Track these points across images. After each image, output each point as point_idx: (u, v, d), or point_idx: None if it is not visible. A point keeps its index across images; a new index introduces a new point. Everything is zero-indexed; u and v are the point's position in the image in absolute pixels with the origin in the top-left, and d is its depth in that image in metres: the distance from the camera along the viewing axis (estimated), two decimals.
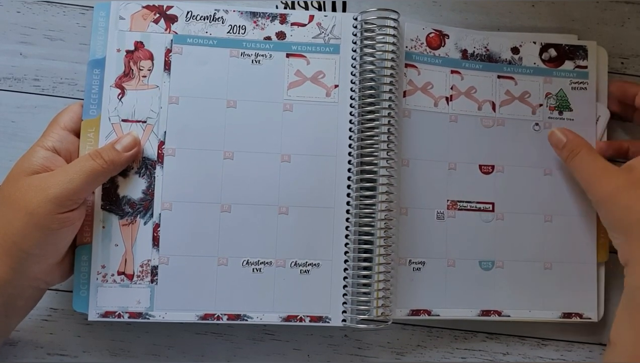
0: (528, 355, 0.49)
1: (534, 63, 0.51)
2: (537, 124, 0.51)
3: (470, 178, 0.50)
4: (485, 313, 0.48)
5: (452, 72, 0.50)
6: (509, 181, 0.50)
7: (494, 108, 0.50)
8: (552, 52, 0.52)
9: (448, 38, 0.50)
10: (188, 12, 0.47)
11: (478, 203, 0.49)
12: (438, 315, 0.48)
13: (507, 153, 0.50)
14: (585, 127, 0.50)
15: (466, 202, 0.49)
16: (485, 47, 0.51)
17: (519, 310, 0.49)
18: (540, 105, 0.51)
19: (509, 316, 0.48)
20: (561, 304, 0.49)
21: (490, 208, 0.50)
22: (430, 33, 0.50)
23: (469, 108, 0.50)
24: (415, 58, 0.49)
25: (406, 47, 0.49)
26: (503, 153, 0.50)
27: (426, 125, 0.49)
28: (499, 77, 0.51)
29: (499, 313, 0.48)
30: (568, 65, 0.51)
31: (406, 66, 0.49)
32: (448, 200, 0.49)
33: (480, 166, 0.50)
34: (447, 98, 0.50)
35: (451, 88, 0.50)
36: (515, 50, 0.51)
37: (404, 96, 0.48)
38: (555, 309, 0.49)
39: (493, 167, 0.50)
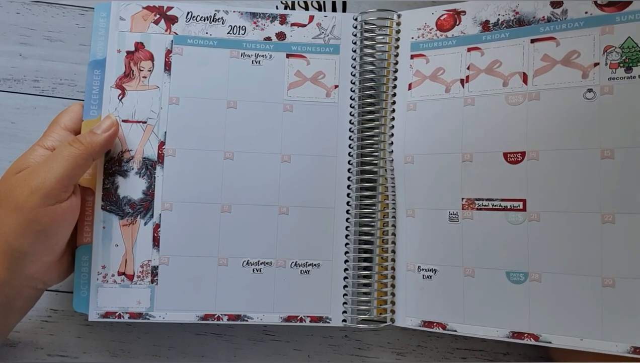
0: (529, 355, 0.49)
1: (586, 12, 0.40)
2: (590, 90, 0.39)
3: (492, 170, 0.42)
4: (517, 335, 0.41)
5: (470, 49, 0.44)
6: (547, 170, 0.40)
7: (525, 80, 0.41)
8: None
9: (465, 14, 0.45)
10: (188, 13, 0.47)
11: (503, 200, 0.42)
12: (455, 331, 0.43)
13: (544, 134, 0.40)
14: None
15: (487, 200, 0.42)
16: (514, 11, 0.43)
17: (565, 337, 0.39)
18: (596, 64, 0.39)
19: (550, 343, 0.40)
20: (630, 334, 0.38)
21: (520, 206, 0.41)
22: (442, 15, 0.46)
23: (491, 86, 0.43)
24: (423, 47, 0.46)
25: (412, 38, 0.47)
26: (538, 134, 0.41)
27: (434, 114, 0.45)
28: (532, 41, 0.42)
29: (536, 338, 0.40)
30: None
31: (412, 57, 0.46)
32: (463, 199, 0.43)
33: (505, 155, 0.42)
34: (462, 80, 0.44)
35: (468, 68, 0.44)
36: (556, 3, 0.41)
37: (409, 88, 0.46)
38: (621, 340, 0.38)
39: (523, 154, 0.41)
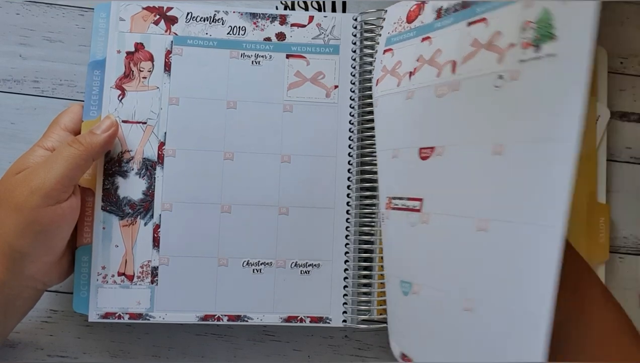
0: None
1: None
2: (500, 76, 0.32)
3: (408, 167, 0.38)
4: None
5: (423, 39, 0.40)
6: (447, 167, 0.35)
7: (454, 69, 0.36)
8: None
9: (427, 3, 0.41)
10: (188, 14, 0.47)
11: (408, 199, 0.38)
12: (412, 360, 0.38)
13: (454, 128, 0.36)
14: (573, 69, 0.28)
15: (398, 199, 0.38)
16: None
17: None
18: (512, 45, 0.32)
19: None
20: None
21: (417, 207, 0.37)
22: (412, 7, 0.42)
23: (428, 78, 0.38)
24: (393, 40, 0.44)
25: (388, 32, 0.45)
26: (448, 128, 0.36)
27: (387, 110, 0.42)
28: (469, 24, 0.36)
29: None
30: None
31: (384, 52, 0.45)
32: (387, 197, 0.40)
33: (420, 150, 0.37)
34: (410, 73, 0.40)
35: (417, 60, 0.40)
36: None
37: (377, 84, 0.45)
38: None
39: (433, 149, 0.36)
